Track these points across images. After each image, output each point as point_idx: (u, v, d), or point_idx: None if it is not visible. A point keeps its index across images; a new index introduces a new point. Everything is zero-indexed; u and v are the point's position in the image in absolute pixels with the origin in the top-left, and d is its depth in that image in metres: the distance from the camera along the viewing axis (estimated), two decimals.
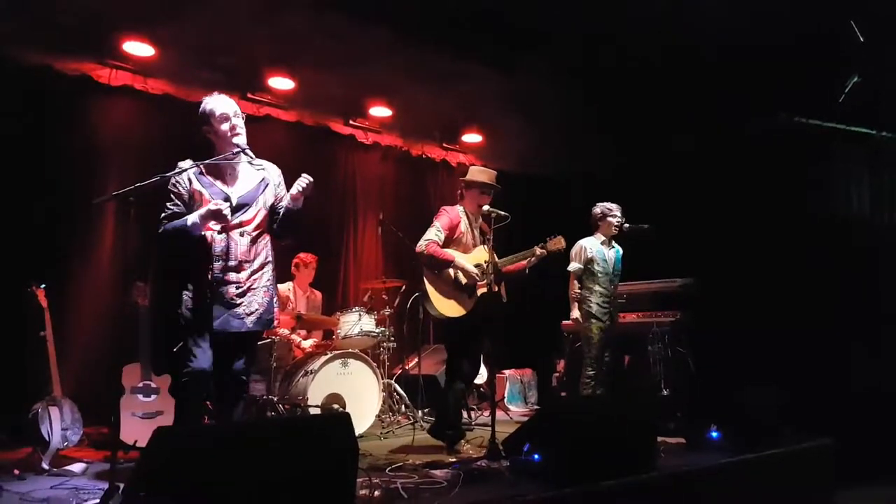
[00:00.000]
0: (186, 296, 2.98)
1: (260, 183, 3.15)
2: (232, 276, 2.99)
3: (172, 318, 3.04)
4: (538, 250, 4.25)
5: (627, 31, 4.86)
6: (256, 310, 3.04)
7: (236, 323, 2.98)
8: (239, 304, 2.99)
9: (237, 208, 3.04)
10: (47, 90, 5.00)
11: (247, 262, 3.04)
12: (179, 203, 3.00)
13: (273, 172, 3.24)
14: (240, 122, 3.09)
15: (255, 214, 3.09)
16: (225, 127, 3.04)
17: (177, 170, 3.02)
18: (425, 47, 5.14)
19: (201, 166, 3.03)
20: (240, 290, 3.00)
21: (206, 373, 2.93)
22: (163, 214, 3.01)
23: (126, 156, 5.27)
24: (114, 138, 5.33)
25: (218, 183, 3.06)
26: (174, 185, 3.00)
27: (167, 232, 2.97)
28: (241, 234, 3.04)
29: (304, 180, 3.10)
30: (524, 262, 4.27)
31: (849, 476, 4.03)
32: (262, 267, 3.10)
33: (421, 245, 4.07)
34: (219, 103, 3.07)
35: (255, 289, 3.05)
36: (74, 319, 4.99)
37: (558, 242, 4.31)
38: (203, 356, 2.93)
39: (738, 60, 5.03)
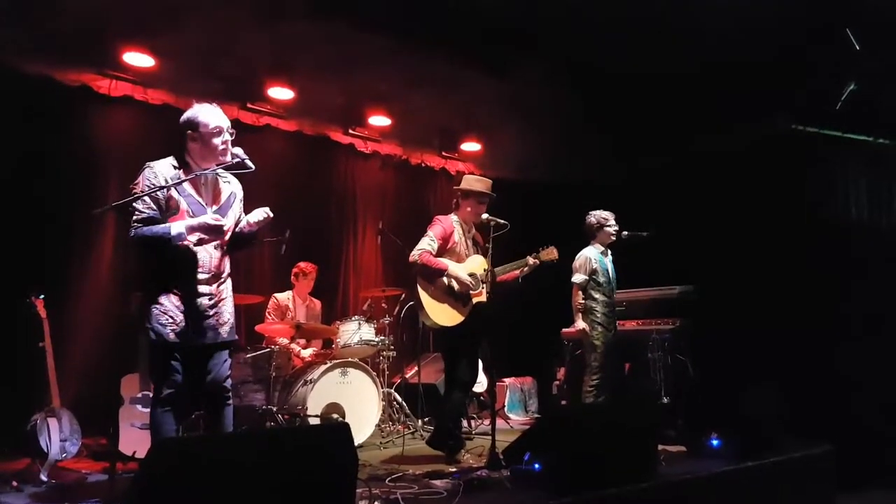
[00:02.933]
0: (156, 309, 2.86)
1: (230, 196, 3.12)
2: (206, 288, 2.96)
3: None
4: (531, 260, 4.29)
5: (625, 38, 4.88)
6: (228, 320, 3.05)
7: (211, 334, 2.96)
8: (212, 316, 2.98)
9: None
10: (47, 100, 5.01)
11: (218, 273, 3.03)
12: (155, 207, 2.88)
13: (237, 186, 3.20)
14: (230, 139, 3.04)
15: (229, 228, 3.08)
16: (216, 141, 2.98)
17: (172, 175, 2.92)
18: (424, 56, 5.16)
19: (182, 174, 2.94)
20: (212, 301, 2.98)
21: (184, 387, 2.90)
22: (135, 217, 2.84)
23: (126, 166, 5.23)
24: (113, 149, 5.34)
25: (194, 194, 3.00)
26: (150, 185, 2.87)
27: (144, 237, 2.83)
28: (216, 247, 3.02)
29: (262, 213, 3.07)
30: (517, 272, 4.30)
31: (850, 482, 4.03)
32: (227, 278, 3.10)
33: (414, 255, 4.08)
34: (213, 115, 3.01)
35: (225, 299, 3.05)
36: (73, 330, 4.98)
37: (551, 253, 4.36)
38: (182, 370, 2.89)
39: (737, 68, 5.05)
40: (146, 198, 2.85)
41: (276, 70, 5.55)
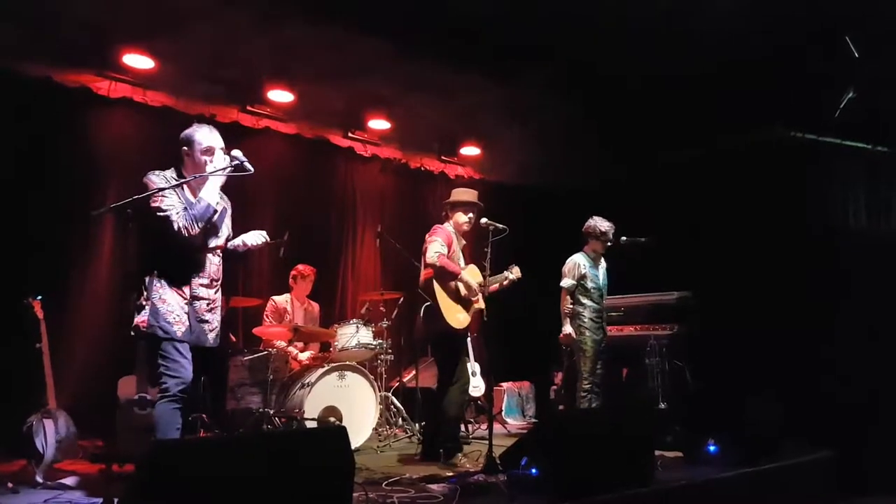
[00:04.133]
0: (163, 307, 2.97)
1: (223, 211, 3.26)
2: (206, 292, 3.11)
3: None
4: (510, 275, 4.53)
5: (625, 44, 4.90)
6: (216, 327, 3.17)
7: (203, 338, 3.10)
8: (207, 321, 3.11)
9: (213, 230, 3.17)
10: (47, 102, 5.01)
11: (215, 280, 3.18)
12: (173, 202, 3.02)
13: (227, 202, 3.34)
14: (221, 157, 3.17)
15: (225, 238, 3.25)
16: (205, 158, 3.13)
17: (174, 183, 3.05)
18: (424, 60, 5.16)
19: (192, 176, 3.09)
20: (209, 307, 3.12)
21: (189, 384, 3.00)
22: (174, 210, 2.98)
23: (125, 168, 5.26)
24: (113, 150, 5.34)
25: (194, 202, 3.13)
26: (166, 182, 3.02)
27: (196, 217, 2.98)
28: (215, 254, 3.18)
29: (260, 238, 3.26)
30: (497, 286, 4.48)
31: (849, 488, 4.03)
32: (219, 286, 3.23)
33: (432, 257, 4.19)
34: (206, 136, 3.16)
35: (217, 307, 3.18)
36: (71, 331, 4.97)
37: (516, 272, 4.58)
38: (189, 366, 3.00)
39: (736, 74, 5.06)
40: (167, 195, 2.98)
41: (275, 73, 5.55)
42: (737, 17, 4.46)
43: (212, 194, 3.08)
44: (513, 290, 4.68)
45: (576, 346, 4.94)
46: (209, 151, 3.14)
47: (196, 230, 3.00)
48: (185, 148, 3.16)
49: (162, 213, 2.96)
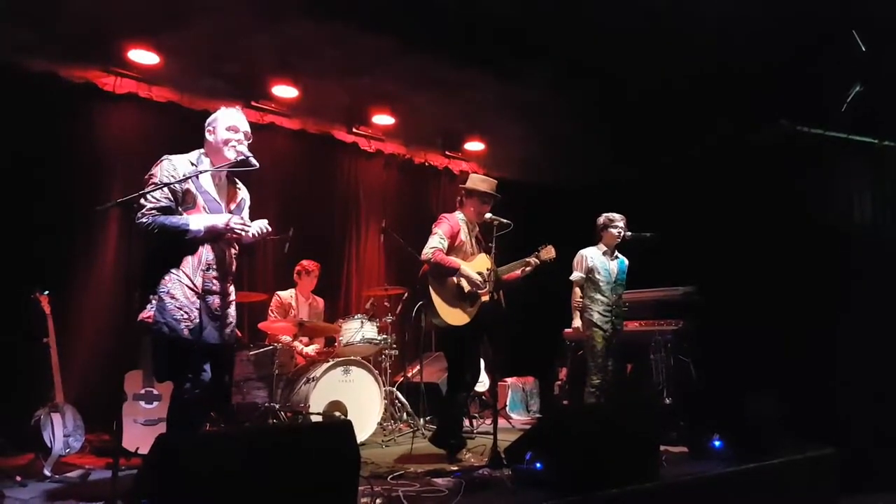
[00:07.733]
0: (172, 303, 2.82)
1: (241, 201, 3.18)
2: (220, 286, 2.97)
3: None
4: (533, 260, 4.30)
5: (630, 41, 4.88)
6: (230, 322, 3.03)
7: (217, 335, 2.95)
8: (221, 316, 2.96)
9: None
10: (52, 97, 5.02)
11: (230, 274, 3.05)
12: (172, 198, 2.89)
13: (247, 194, 3.25)
14: (243, 141, 3.07)
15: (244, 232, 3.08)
16: (228, 135, 3.03)
17: (190, 169, 2.95)
18: (428, 56, 5.16)
19: (199, 170, 2.97)
20: (223, 300, 2.97)
21: (209, 385, 2.91)
22: (151, 204, 2.83)
23: (130, 163, 5.26)
24: (118, 146, 5.35)
25: (211, 191, 3.03)
26: (169, 177, 2.88)
27: (163, 226, 2.81)
28: (230, 247, 3.06)
29: (259, 226, 3.07)
30: (519, 272, 4.29)
31: (852, 485, 4.03)
32: (233, 279, 3.11)
33: (427, 253, 4.03)
34: (232, 114, 3.09)
35: (232, 301, 3.05)
36: (77, 326, 5.00)
37: (549, 252, 4.36)
38: (207, 367, 2.90)
39: (741, 70, 5.04)
40: (164, 187, 2.86)
41: (280, 68, 5.55)
42: (742, 14, 4.44)
43: (199, 223, 2.88)
44: (514, 286, 4.59)
45: (585, 340, 4.91)
46: (232, 129, 3.03)
47: (153, 235, 2.81)
48: (209, 128, 3.07)
49: (148, 203, 2.82)
